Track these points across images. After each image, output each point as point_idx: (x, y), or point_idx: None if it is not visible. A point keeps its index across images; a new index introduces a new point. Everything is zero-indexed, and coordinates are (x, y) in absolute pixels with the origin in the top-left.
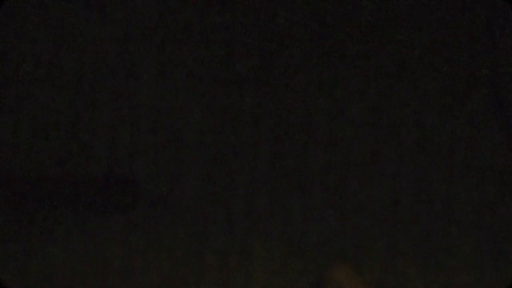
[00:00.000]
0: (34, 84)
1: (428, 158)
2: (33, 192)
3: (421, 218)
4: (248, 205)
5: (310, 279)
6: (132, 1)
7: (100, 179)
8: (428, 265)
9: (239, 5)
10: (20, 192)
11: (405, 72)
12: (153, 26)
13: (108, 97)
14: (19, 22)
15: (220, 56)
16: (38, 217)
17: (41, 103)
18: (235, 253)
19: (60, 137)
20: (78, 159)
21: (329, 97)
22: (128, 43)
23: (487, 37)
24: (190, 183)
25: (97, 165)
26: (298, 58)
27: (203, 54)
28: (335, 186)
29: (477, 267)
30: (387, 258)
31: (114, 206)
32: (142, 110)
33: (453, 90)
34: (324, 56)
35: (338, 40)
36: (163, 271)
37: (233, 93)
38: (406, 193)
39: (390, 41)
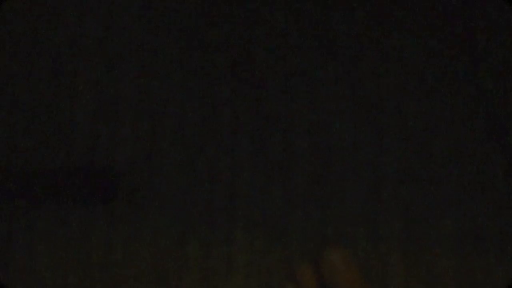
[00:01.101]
0: (11, 75)
1: (409, 146)
2: (12, 184)
3: (403, 205)
4: (230, 194)
5: (292, 266)
6: None
7: (80, 171)
8: (410, 250)
9: None
10: None
11: (386, 60)
12: (134, 16)
13: (88, 88)
14: None
15: (200, 47)
16: (18, 209)
17: (19, 95)
18: (217, 242)
19: (39, 129)
20: (58, 150)
21: (310, 86)
22: (107, 33)
23: (467, 26)
24: (171, 173)
25: (77, 156)
26: (278, 47)
27: (183, 45)
28: (317, 174)
29: (459, 253)
30: (369, 244)
31: (94, 198)
32: (122, 101)
33: (433, 78)
34: (304, 45)
35: (317, 29)
36: (144, 261)
37: (213, 83)
38: (388, 180)
39: (371, 30)
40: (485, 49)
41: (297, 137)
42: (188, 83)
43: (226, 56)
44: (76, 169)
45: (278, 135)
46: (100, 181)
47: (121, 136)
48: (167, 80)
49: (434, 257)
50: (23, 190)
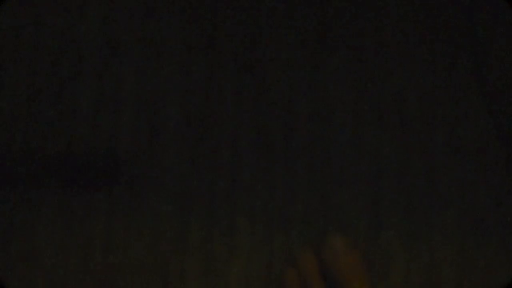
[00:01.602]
0: (14, 61)
1: (410, 135)
2: (14, 169)
3: (404, 193)
4: (231, 182)
5: (294, 254)
6: None
7: (82, 156)
8: (411, 239)
9: None
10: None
11: (387, 49)
12: (136, 4)
13: (91, 75)
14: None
15: (202, 37)
16: (19, 193)
17: (22, 80)
18: (219, 229)
19: (41, 115)
20: (60, 136)
21: (312, 77)
22: (109, 20)
23: (467, 12)
24: (173, 161)
25: (79, 142)
26: (281, 38)
27: (186, 32)
28: (318, 164)
29: (460, 242)
30: (371, 232)
31: (96, 183)
32: (124, 88)
33: (434, 67)
34: (307, 36)
35: (320, 20)
36: (146, 248)
37: (216, 73)
38: (389, 169)
39: (373, 22)
40: (486, 39)
41: (299, 127)
42: (191, 72)
43: (228, 46)
44: (78, 154)
45: (280, 125)
46: (101, 167)
47: (123, 123)
48: (169, 68)
49: (435, 247)
50: (25, 176)
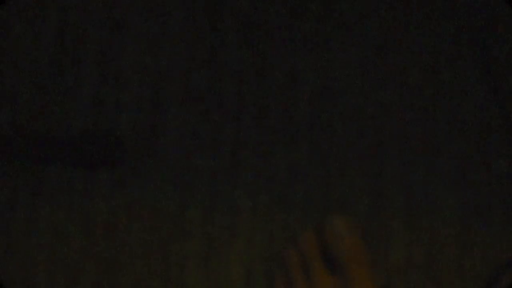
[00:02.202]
0: (15, 38)
1: (412, 114)
2: (16, 148)
3: (405, 173)
4: (233, 160)
5: (295, 233)
6: None
7: (84, 135)
8: (412, 220)
9: None
10: (3, 149)
11: (390, 30)
12: None
13: (93, 52)
14: None
15: (206, 11)
16: (22, 173)
17: (24, 59)
18: (220, 209)
19: (44, 93)
20: (63, 115)
21: (315, 52)
22: None
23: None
24: (175, 139)
25: (81, 120)
26: (284, 13)
27: (189, 8)
28: (320, 142)
29: (461, 221)
30: (372, 213)
31: (98, 162)
32: (126, 65)
33: (438, 44)
34: (311, 11)
35: None
36: (147, 226)
37: (219, 49)
38: (391, 149)
39: (378, 2)
40: (489, 14)
41: (301, 104)
42: (193, 47)
43: (232, 21)
44: (81, 133)
45: (283, 103)
46: (103, 146)
47: (125, 101)
48: (172, 44)
49: (436, 226)
50: (28, 155)
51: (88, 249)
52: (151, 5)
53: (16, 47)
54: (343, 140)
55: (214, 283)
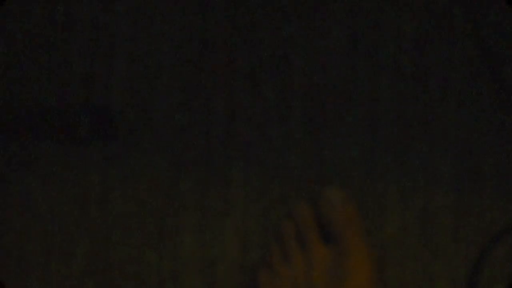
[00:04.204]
0: (5, 13)
1: (405, 83)
2: (8, 123)
3: (399, 142)
4: (227, 133)
5: (289, 206)
6: None
7: (77, 109)
8: (406, 188)
9: None
10: None
11: (384, 0)
12: None
13: (84, 26)
14: None
15: None
16: (15, 148)
17: (14, 33)
18: (214, 181)
19: (35, 67)
20: (54, 89)
21: (306, 25)
22: None
23: None
24: (168, 112)
25: (73, 95)
26: None
27: None
28: (313, 114)
29: (456, 190)
30: (366, 183)
31: (91, 137)
32: (118, 39)
33: (430, 15)
34: None
35: None
36: (141, 200)
37: (210, 23)
38: (384, 118)
39: None
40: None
41: (294, 76)
42: (185, 21)
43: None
44: (72, 108)
45: (275, 75)
46: (96, 120)
47: (118, 75)
48: (164, 17)
49: (431, 195)
50: (19, 129)
51: (82, 222)
52: None
53: (6, 22)
54: (336, 111)
55: (209, 256)
